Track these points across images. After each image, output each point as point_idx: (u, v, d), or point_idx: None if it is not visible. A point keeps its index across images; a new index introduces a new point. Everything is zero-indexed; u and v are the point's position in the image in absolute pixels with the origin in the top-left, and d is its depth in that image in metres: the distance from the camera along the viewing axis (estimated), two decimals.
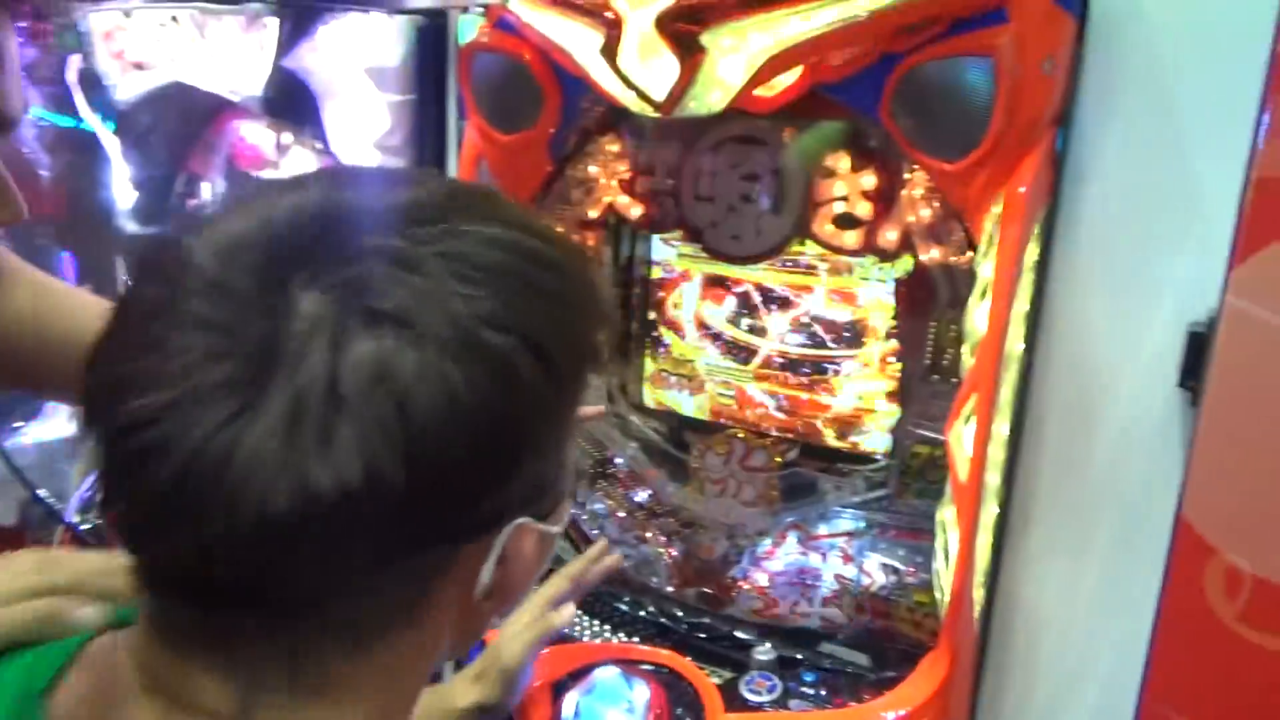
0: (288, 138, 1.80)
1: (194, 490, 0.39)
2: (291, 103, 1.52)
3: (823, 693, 1.32)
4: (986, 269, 1.11)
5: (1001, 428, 1.16)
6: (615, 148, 1.46)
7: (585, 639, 1.45)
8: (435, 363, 0.41)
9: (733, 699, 1.31)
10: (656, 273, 1.57)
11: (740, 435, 1.52)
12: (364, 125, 1.50)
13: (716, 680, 1.36)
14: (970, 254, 1.21)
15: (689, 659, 1.39)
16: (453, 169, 1.57)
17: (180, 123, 1.83)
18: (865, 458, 1.42)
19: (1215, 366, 0.94)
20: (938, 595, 1.24)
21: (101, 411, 0.43)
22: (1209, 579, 0.98)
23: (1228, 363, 0.94)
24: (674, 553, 1.51)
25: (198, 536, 0.40)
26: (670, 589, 1.51)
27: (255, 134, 1.85)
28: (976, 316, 1.12)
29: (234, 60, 1.60)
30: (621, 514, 1.55)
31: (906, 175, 1.25)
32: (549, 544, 0.55)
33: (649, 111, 1.16)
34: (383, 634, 0.47)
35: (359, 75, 1.47)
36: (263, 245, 0.43)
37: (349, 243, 0.43)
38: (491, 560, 0.48)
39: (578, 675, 1.37)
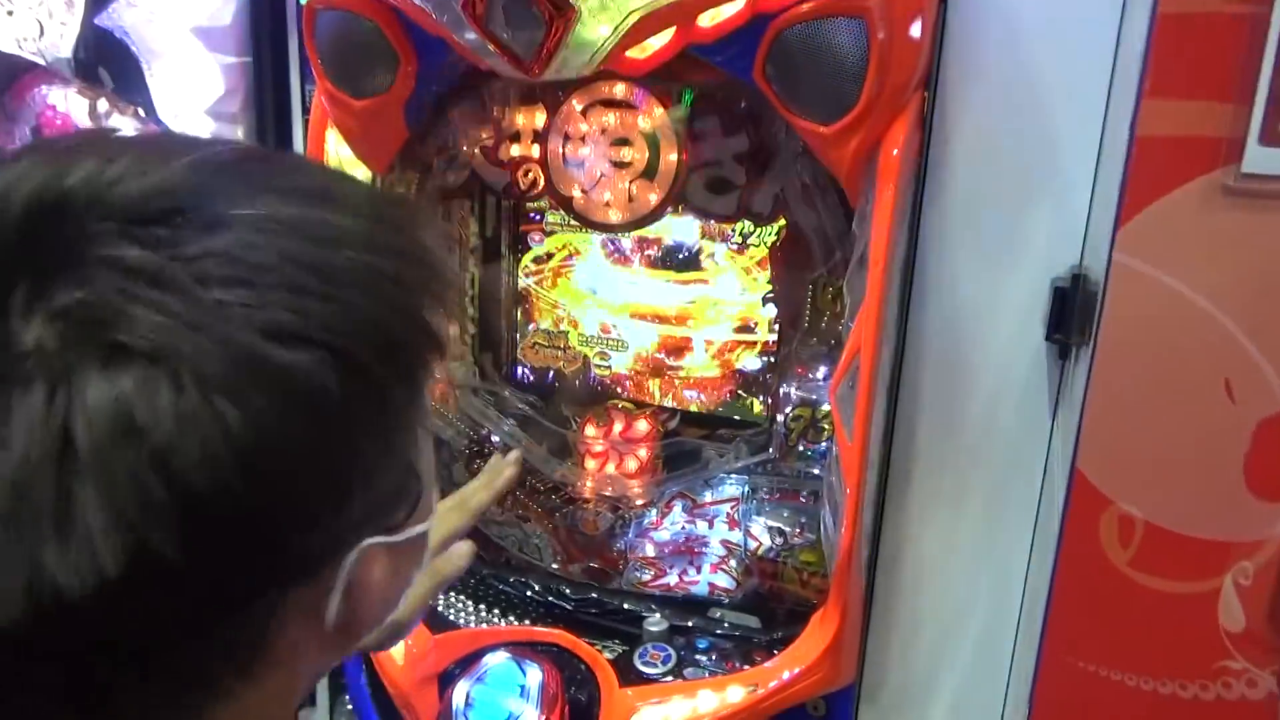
0: (104, 104, 1.62)
1: None
2: (109, 65, 1.37)
3: (716, 658, 1.33)
4: (864, 233, 1.11)
5: (881, 387, 1.18)
6: (477, 112, 1.38)
7: (471, 625, 1.40)
8: (198, 402, 0.32)
9: (628, 673, 1.30)
10: (531, 245, 1.52)
11: (620, 405, 1.50)
12: (194, 90, 1.37)
13: (609, 655, 1.34)
14: (843, 214, 1.22)
15: (581, 636, 1.37)
16: (299, 137, 1.46)
17: None
18: (747, 423, 1.42)
19: (1105, 321, 0.98)
20: (826, 553, 1.26)
21: None
22: (1104, 528, 1.02)
23: (1116, 317, 0.98)
24: (558, 530, 1.48)
25: None
26: (555, 567, 1.48)
27: (65, 101, 1.66)
28: (855, 281, 1.13)
29: (36, 17, 1.42)
30: None
31: (779, 140, 1.24)
32: (414, 549, 0.48)
33: (517, 75, 1.10)
34: (214, 692, 0.39)
35: (186, 35, 1.33)
36: None
37: (75, 249, 0.33)
38: (335, 595, 0.41)
39: (465, 663, 1.33)
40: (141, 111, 1.49)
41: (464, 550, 1.00)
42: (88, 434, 0.31)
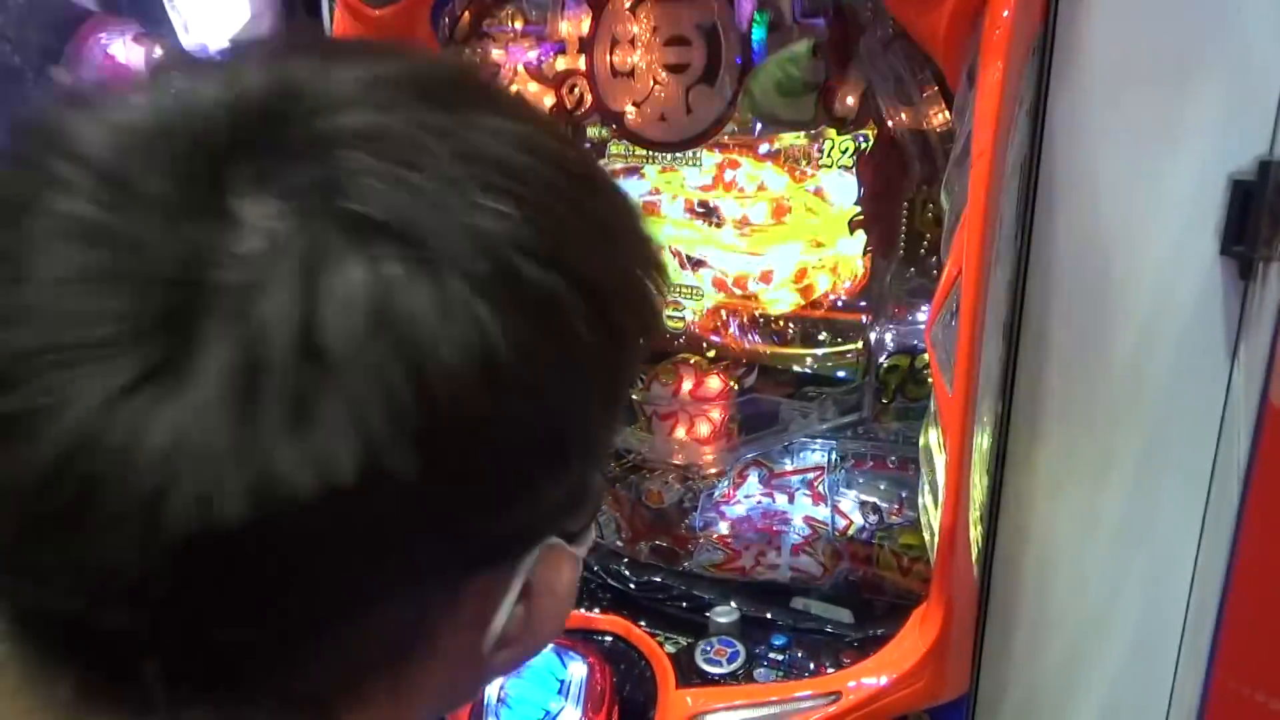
0: (159, 51, 1.55)
1: (79, 494, 0.26)
2: None
3: (797, 656, 1.11)
4: (966, 122, 0.87)
5: (996, 325, 0.93)
6: (518, 24, 1.21)
7: None
8: (463, 299, 0.27)
9: (689, 671, 1.10)
10: None
11: (691, 360, 1.29)
12: (218, 16, 1.26)
13: (671, 648, 1.15)
14: (947, 114, 0.98)
15: (641, 625, 1.18)
16: None
17: (44, 37, 1.58)
18: (836, 380, 1.19)
19: None
20: (926, 537, 1.02)
21: None
22: None
23: None
24: (622, 503, 1.29)
25: (89, 564, 0.27)
26: (619, 544, 1.30)
27: (125, 49, 1.60)
28: (956, 182, 0.88)
29: None
30: None
31: (863, 21, 1.00)
32: (580, 564, 0.42)
33: None
34: (357, 702, 0.34)
35: None
36: (185, 132, 0.29)
37: (315, 129, 0.29)
38: (512, 595, 0.36)
39: None
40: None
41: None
42: (337, 321, 0.26)
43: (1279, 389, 0.70)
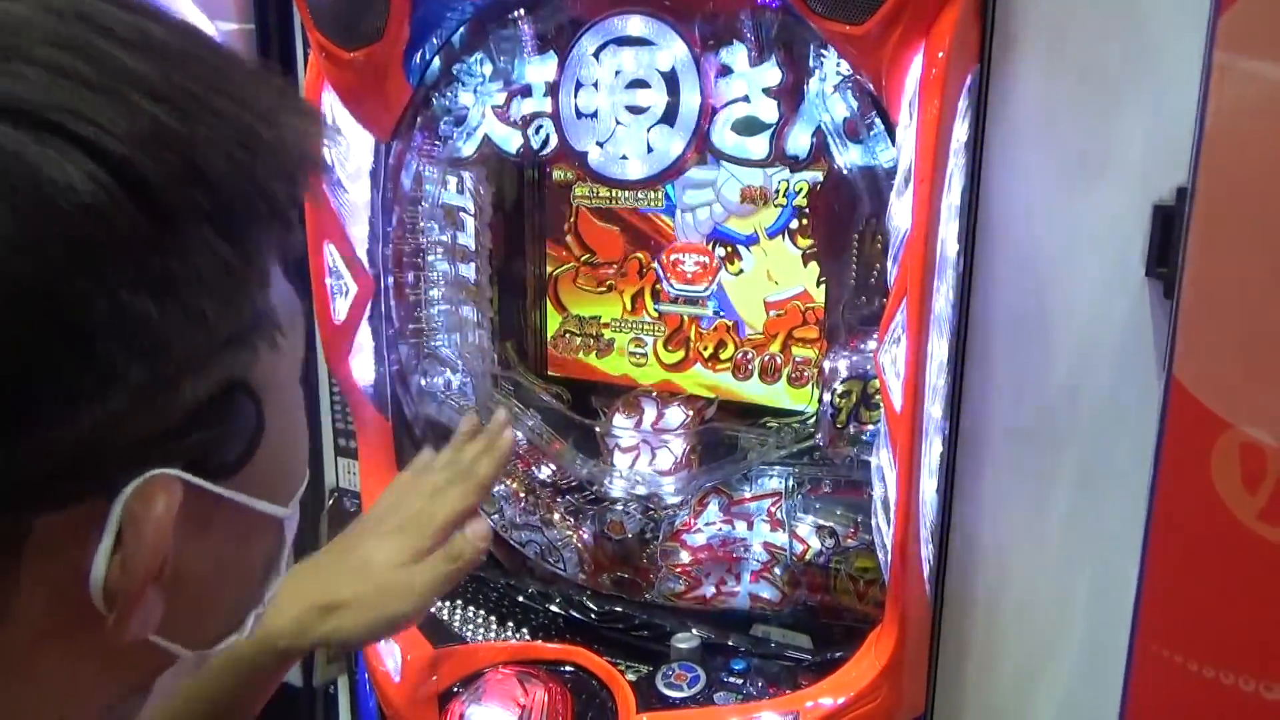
0: None
1: None
2: None
3: (757, 680, 1.12)
4: (907, 154, 0.92)
5: (940, 346, 0.97)
6: (487, 69, 1.26)
7: (480, 639, 1.24)
8: None
9: (649, 696, 1.11)
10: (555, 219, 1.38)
11: (652, 394, 1.32)
12: None
13: (632, 676, 1.15)
14: (893, 150, 1.03)
15: (604, 655, 1.19)
16: None
17: None
18: (795, 411, 1.23)
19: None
20: (881, 556, 1.04)
21: None
22: (1218, 464, 0.75)
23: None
24: (584, 534, 1.30)
25: None
26: (582, 577, 1.30)
27: None
28: (898, 212, 0.93)
29: None
30: (523, 494, 1.34)
31: (813, 65, 1.07)
32: (248, 522, 0.38)
33: None
34: None
35: (184, 0, 1.27)
36: None
37: None
38: (106, 542, 0.32)
39: (469, 681, 1.17)
40: None
41: (481, 530, 0.88)
42: None
43: (1183, 367, 0.74)
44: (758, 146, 1.11)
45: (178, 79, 0.33)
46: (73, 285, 0.29)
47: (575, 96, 1.19)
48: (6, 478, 0.29)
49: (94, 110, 0.30)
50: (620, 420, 1.31)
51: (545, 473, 1.34)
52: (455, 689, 1.16)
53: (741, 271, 1.23)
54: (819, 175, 1.16)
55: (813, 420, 1.18)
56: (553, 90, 1.21)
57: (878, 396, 1.08)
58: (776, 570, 1.18)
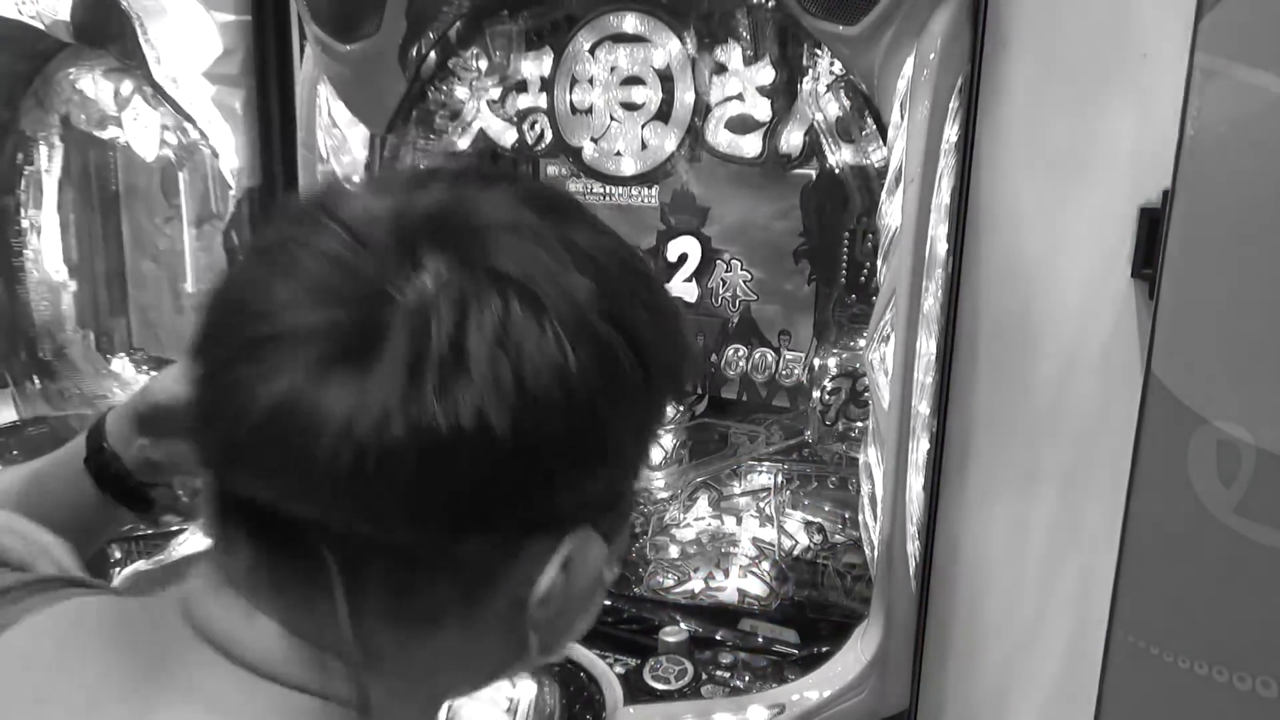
0: (128, 87, 1.59)
1: (286, 430, 0.40)
2: (106, 27, 1.31)
3: (744, 674, 1.13)
4: (898, 154, 0.93)
5: (928, 344, 0.98)
6: (483, 63, 1.27)
7: None
8: (553, 335, 0.41)
9: (637, 688, 1.12)
10: None
11: None
12: (192, 51, 1.30)
13: (620, 669, 1.16)
14: (884, 150, 1.04)
15: (590, 647, 1.19)
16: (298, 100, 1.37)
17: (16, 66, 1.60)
18: (786, 408, 1.24)
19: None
20: (867, 553, 1.05)
21: (211, 336, 0.44)
22: (1194, 459, 0.77)
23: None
24: None
25: (289, 469, 0.41)
26: None
27: (95, 86, 1.63)
28: (889, 211, 0.94)
29: None
30: None
31: (806, 65, 1.07)
32: (607, 570, 0.51)
33: None
34: (436, 620, 0.46)
35: None
36: (396, 213, 0.44)
37: (474, 219, 0.44)
38: (556, 562, 0.45)
39: None
40: (150, 89, 1.44)
41: None
42: (478, 335, 0.40)
43: (1161, 364, 0.76)
44: (751, 145, 1.12)
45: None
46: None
47: (570, 92, 1.20)
48: (543, 513, 0.44)
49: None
50: None
51: None
52: None
53: None
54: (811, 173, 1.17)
55: (800, 416, 1.19)
56: (548, 86, 1.21)
57: (866, 394, 1.09)
58: (764, 565, 1.19)
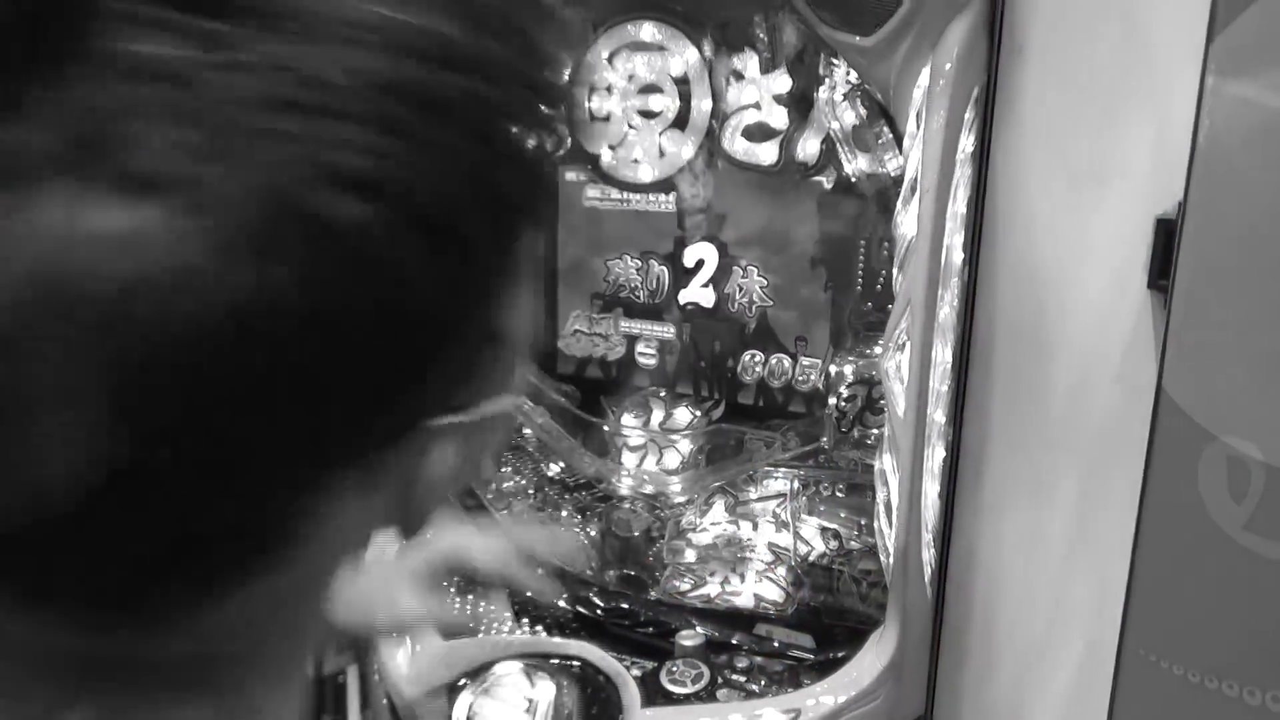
0: None
1: None
2: None
3: (760, 678, 1.14)
4: (913, 163, 0.94)
5: (944, 353, 0.99)
6: None
7: (488, 633, 1.26)
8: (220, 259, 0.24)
9: (654, 691, 1.13)
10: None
11: (661, 394, 1.34)
12: None
13: (637, 672, 1.17)
14: (900, 159, 1.05)
15: (608, 650, 1.21)
16: None
17: None
18: (802, 413, 1.24)
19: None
20: (883, 559, 1.06)
21: None
22: (1205, 475, 0.77)
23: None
24: (591, 532, 1.32)
25: None
26: (589, 573, 1.33)
27: None
28: (905, 220, 0.95)
29: None
30: (532, 490, 1.37)
31: (823, 73, 1.08)
32: (486, 427, 0.36)
33: None
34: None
35: None
36: None
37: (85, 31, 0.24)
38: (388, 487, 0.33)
39: (477, 674, 1.19)
40: None
41: None
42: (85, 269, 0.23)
43: (1172, 380, 0.76)
44: (767, 153, 1.13)
45: None
46: None
47: (588, 100, 1.21)
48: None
49: None
50: (629, 419, 1.33)
51: (554, 470, 1.36)
52: (463, 681, 1.18)
53: None
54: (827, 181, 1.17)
55: (817, 423, 1.19)
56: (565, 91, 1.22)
57: (882, 401, 1.10)
58: (780, 571, 1.20)
